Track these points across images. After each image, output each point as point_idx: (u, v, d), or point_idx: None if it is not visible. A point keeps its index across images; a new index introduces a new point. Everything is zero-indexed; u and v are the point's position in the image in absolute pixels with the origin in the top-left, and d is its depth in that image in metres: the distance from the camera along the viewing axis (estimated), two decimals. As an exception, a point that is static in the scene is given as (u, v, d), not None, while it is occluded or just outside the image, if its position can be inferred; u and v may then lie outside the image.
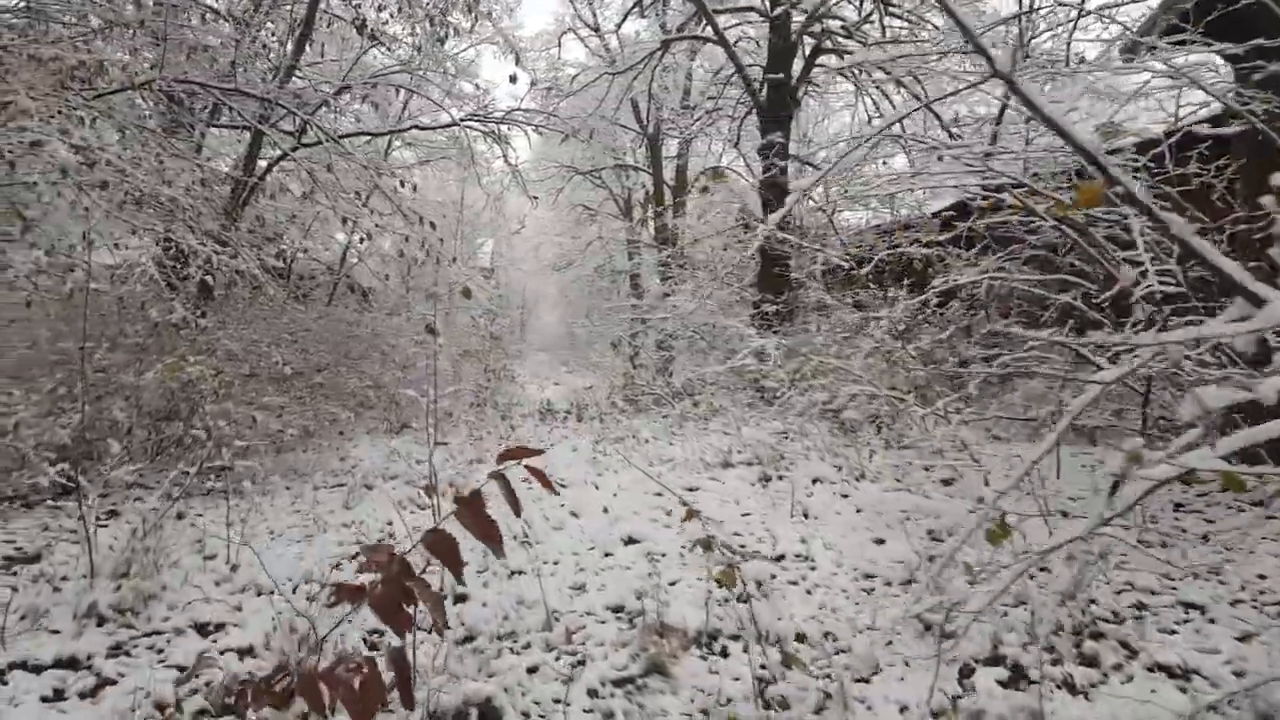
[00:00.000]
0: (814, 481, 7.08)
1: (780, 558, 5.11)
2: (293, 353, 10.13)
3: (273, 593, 4.47)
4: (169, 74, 9.69)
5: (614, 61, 20.34)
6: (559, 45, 24.53)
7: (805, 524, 5.84)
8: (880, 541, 5.35)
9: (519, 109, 12.22)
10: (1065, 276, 7.52)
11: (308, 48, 11.78)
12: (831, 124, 22.60)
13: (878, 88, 18.39)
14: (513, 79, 11.48)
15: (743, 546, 5.34)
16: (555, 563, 5.25)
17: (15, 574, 4.92)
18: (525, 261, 40.68)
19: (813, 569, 4.90)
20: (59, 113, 7.69)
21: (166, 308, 6.97)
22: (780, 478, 7.24)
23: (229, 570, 4.79)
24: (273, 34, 12.27)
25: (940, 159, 7.30)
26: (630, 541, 5.65)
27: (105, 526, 5.90)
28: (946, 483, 7.06)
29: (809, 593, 4.51)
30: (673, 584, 4.64)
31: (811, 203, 16.66)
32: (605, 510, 6.55)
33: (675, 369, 14.61)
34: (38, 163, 6.99)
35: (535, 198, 12.99)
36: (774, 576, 4.72)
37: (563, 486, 7.82)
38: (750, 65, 17.52)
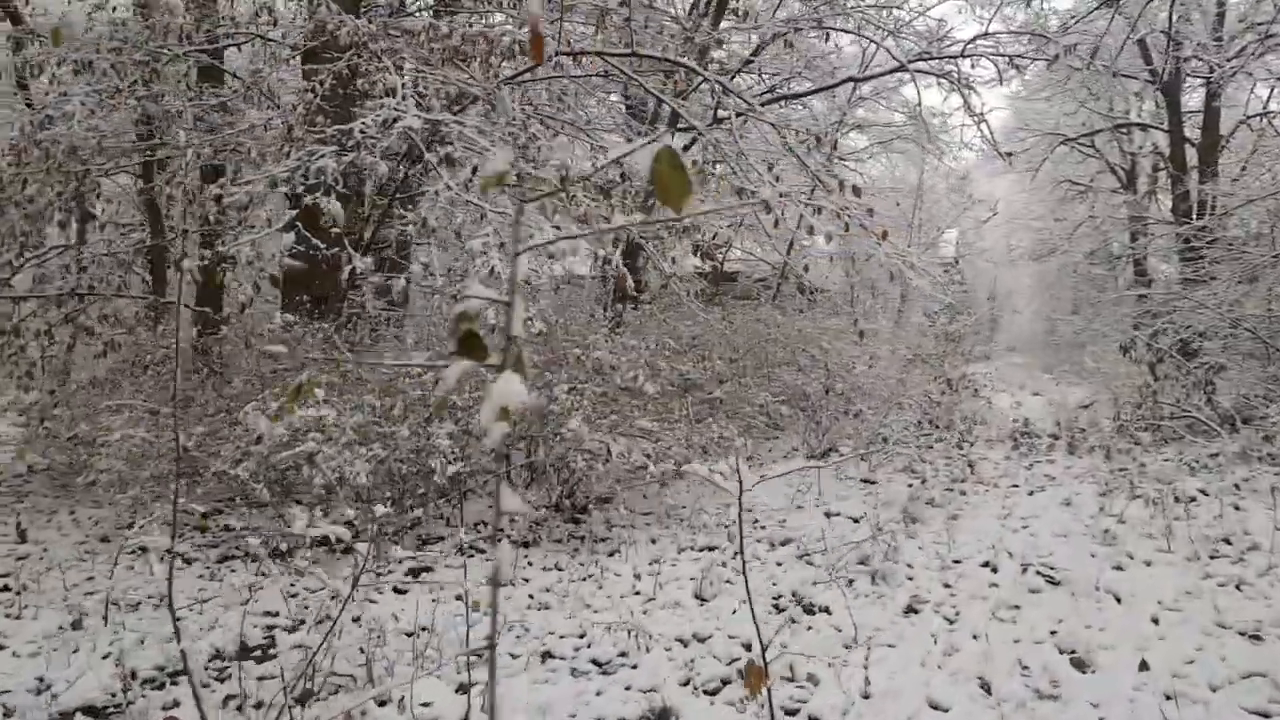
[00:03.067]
0: None
1: None
2: (690, 361, 8.36)
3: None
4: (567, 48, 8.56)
5: (1115, -11, 15.90)
6: (1040, -8, 20.30)
7: None
8: None
9: (985, 34, 9.14)
10: None
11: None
12: None
13: None
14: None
15: None
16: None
17: (271, 655, 3.57)
18: (995, 251, 35.96)
19: None
20: (422, 90, 6.71)
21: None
22: None
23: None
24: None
25: None
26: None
27: (404, 592, 4.43)
28: None
29: None
30: None
31: None
32: (1143, 665, 3.53)
33: (1223, 382, 10.28)
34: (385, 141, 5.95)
35: (1010, 154, 9.81)
36: None
37: (1050, 582, 4.84)
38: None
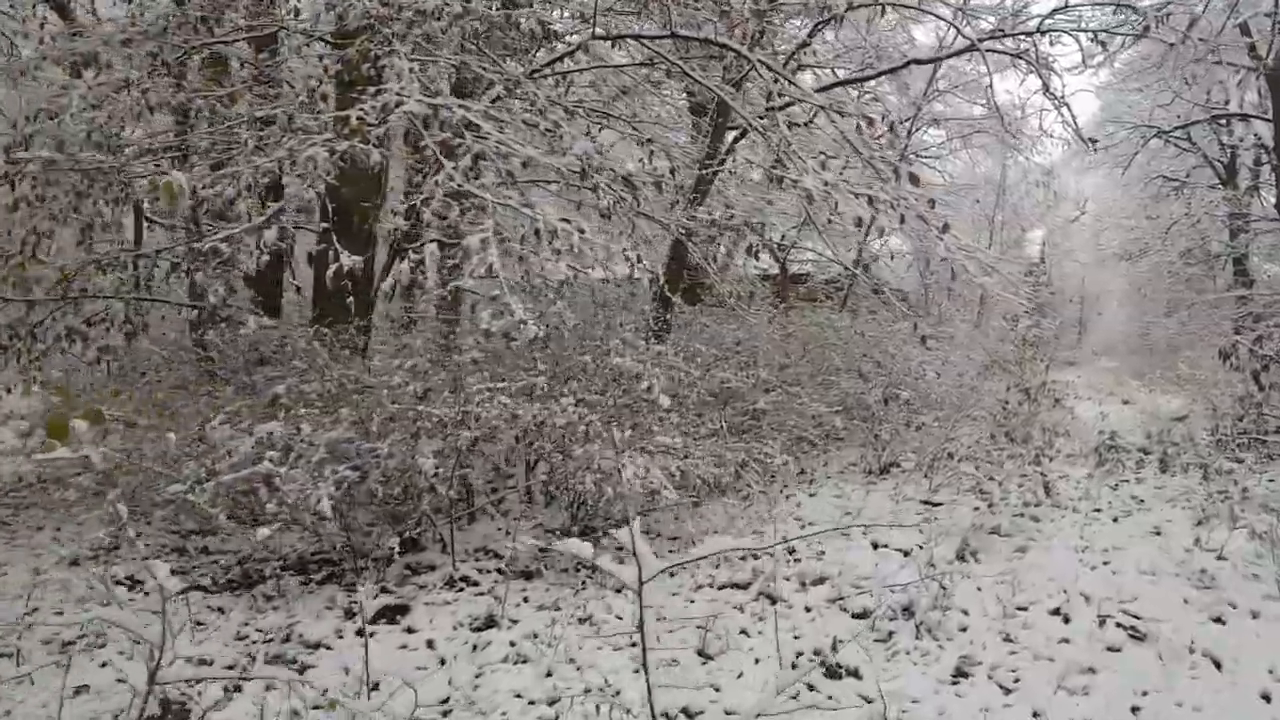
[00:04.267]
0: None
1: None
2: (732, 369, 7.69)
3: None
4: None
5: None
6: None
7: None
8: None
9: (1065, 7, 8.21)
10: None
11: None
12: None
13: None
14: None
15: None
16: None
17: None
18: (1084, 251, 34.14)
19: None
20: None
21: (501, 308, 4.87)
22: None
23: None
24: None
25: None
26: None
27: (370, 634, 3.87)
28: None
29: None
30: None
31: None
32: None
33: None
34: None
35: (1094, 141, 8.86)
36: None
37: (1133, 637, 4.04)
38: None
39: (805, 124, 10.70)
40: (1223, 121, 20.64)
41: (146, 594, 4.45)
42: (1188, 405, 12.81)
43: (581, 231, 5.19)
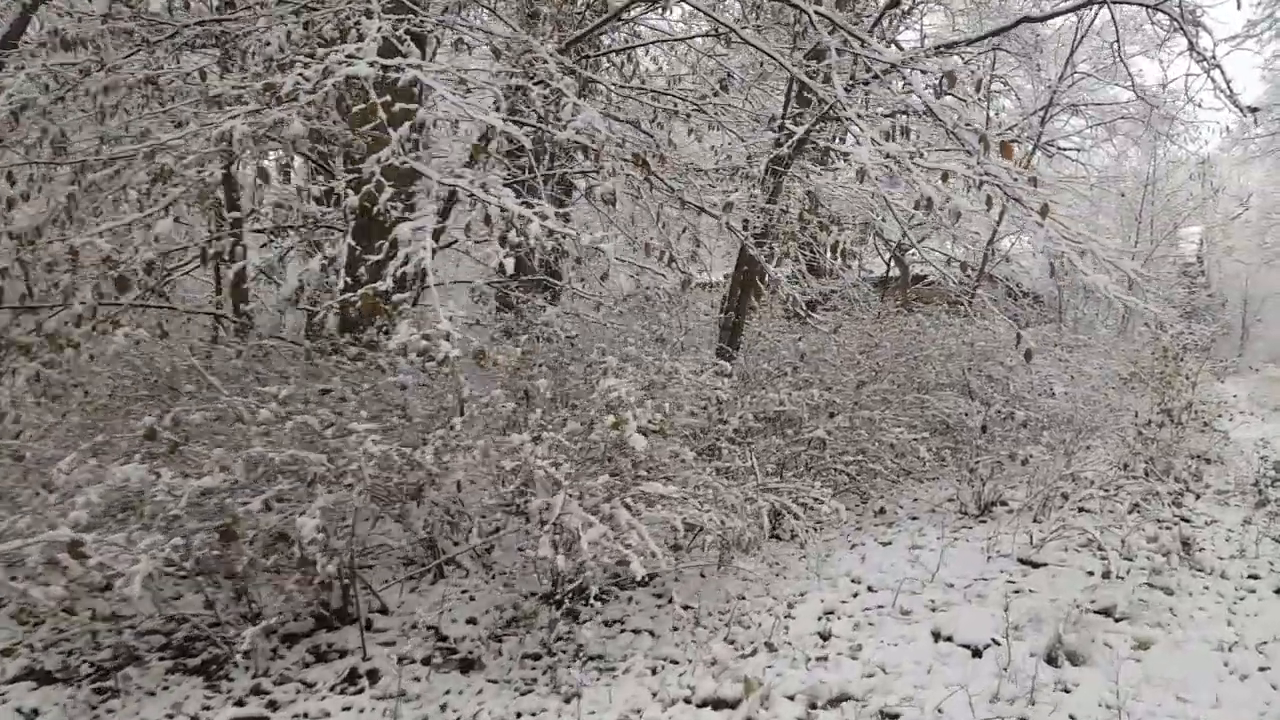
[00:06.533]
0: None
1: None
2: (786, 390, 6.37)
3: None
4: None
5: None
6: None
7: None
8: None
9: (1218, -61, 6.51)
10: None
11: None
12: None
13: None
14: None
15: None
16: None
17: None
18: (1248, 250, 30.74)
19: None
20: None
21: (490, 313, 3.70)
22: None
23: None
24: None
25: None
26: None
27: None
28: None
29: None
30: None
31: None
32: None
33: None
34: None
35: (1254, 110, 7.07)
36: None
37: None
38: None
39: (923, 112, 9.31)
40: None
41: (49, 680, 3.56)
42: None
43: (544, 218, 4.04)
